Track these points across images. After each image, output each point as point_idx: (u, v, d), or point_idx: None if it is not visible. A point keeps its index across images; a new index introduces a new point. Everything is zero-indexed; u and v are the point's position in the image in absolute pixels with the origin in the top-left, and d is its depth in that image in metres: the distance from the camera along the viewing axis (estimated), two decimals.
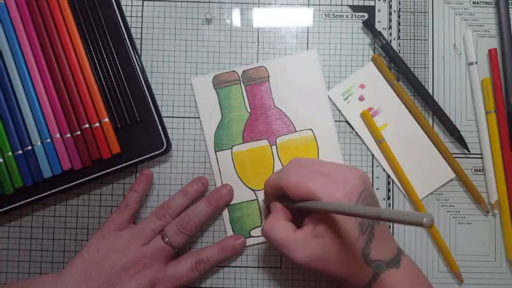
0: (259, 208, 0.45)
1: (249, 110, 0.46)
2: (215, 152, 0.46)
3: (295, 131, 0.46)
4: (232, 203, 0.45)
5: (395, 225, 0.46)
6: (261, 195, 0.45)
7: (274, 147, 0.46)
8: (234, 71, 0.46)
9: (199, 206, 0.44)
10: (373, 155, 0.46)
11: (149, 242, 0.42)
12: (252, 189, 0.46)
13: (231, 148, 0.46)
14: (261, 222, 0.45)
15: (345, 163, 0.46)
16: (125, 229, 0.42)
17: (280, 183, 0.38)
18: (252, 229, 0.45)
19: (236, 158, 0.46)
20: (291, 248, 0.36)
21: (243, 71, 0.46)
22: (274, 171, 0.46)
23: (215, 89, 0.46)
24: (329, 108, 0.46)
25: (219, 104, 0.46)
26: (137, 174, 0.46)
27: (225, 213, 0.45)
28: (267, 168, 0.46)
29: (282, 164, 0.46)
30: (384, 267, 0.36)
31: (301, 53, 0.47)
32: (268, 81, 0.46)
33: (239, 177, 0.46)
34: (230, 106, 0.46)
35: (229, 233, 0.45)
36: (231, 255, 0.44)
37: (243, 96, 0.46)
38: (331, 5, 0.47)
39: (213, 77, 0.46)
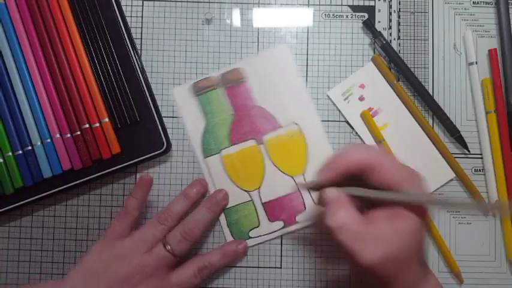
0: (255, 209, 0.45)
1: (232, 112, 0.46)
2: (204, 158, 0.46)
3: (281, 127, 0.46)
4: (227, 206, 0.45)
5: None
6: (254, 196, 0.45)
7: (262, 145, 0.46)
8: (211, 76, 0.46)
9: (200, 211, 0.43)
10: None
11: (151, 248, 0.41)
12: (245, 191, 0.45)
13: (220, 152, 0.46)
14: (258, 222, 0.45)
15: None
16: (126, 236, 0.41)
17: (372, 162, 0.33)
18: (250, 230, 0.45)
19: (226, 161, 0.46)
20: (367, 243, 0.31)
21: (221, 75, 0.46)
22: (265, 169, 0.46)
23: (195, 97, 0.46)
24: (310, 100, 0.46)
25: (202, 111, 0.46)
26: (137, 175, 0.46)
27: (222, 217, 0.45)
28: (257, 168, 0.46)
29: (273, 162, 0.46)
30: None
31: (272, 49, 0.46)
32: (247, 81, 0.46)
33: (231, 180, 0.45)
34: (212, 111, 0.46)
35: (228, 236, 0.45)
36: (233, 260, 0.44)
37: (224, 100, 0.46)
38: (331, 5, 0.47)
39: (192, 85, 0.46)
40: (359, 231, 0.32)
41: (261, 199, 0.45)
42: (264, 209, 0.45)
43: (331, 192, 0.34)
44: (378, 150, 0.37)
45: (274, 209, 0.45)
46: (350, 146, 0.40)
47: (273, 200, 0.45)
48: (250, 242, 0.45)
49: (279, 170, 0.46)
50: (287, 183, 0.45)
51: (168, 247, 0.41)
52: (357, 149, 0.36)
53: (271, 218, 0.45)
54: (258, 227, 0.45)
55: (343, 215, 0.32)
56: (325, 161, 0.35)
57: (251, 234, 0.45)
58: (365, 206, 0.34)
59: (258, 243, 0.45)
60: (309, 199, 0.45)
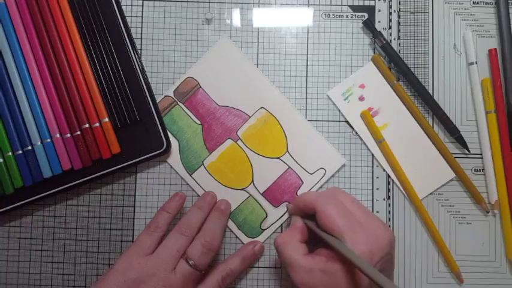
0: (258, 202, 0.45)
1: (199, 122, 0.46)
2: (190, 175, 0.46)
3: (250, 117, 0.46)
4: (231, 210, 0.45)
5: (395, 222, 0.46)
6: (251, 190, 0.45)
7: (239, 141, 0.46)
8: (166, 95, 0.46)
9: (212, 221, 0.43)
10: (373, 155, 0.46)
11: (176, 265, 0.40)
12: (241, 189, 0.46)
13: (202, 164, 0.46)
14: (265, 213, 0.45)
15: (324, 137, 0.46)
16: (151, 253, 0.40)
17: (315, 206, 0.38)
18: (260, 223, 0.45)
19: (211, 169, 0.46)
20: (296, 270, 0.37)
21: (174, 91, 0.46)
22: (251, 161, 0.46)
23: None
24: (267, 81, 0.46)
25: (170, 132, 0.46)
26: (137, 175, 0.46)
27: (230, 223, 0.45)
28: (244, 164, 0.46)
29: (255, 152, 0.46)
30: None
31: (213, 47, 0.46)
32: (201, 87, 0.46)
33: (224, 185, 0.46)
34: (180, 128, 0.46)
35: (242, 237, 0.45)
36: (252, 262, 0.44)
37: (188, 113, 0.46)
38: (331, 5, 0.47)
39: None
40: (293, 259, 0.37)
41: (258, 191, 0.45)
42: (266, 198, 0.45)
43: (294, 219, 0.41)
44: (324, 197, 0.39)
45: (274, 194, 0.46)
46: (307, 192, 0.44)
47: (270, 187, 0.46)
48: (265, 234, 0.45)
49: (264, 156, 0.46)
50: (276, 166, 0.46)
51: (192, 262, 0.40)
52: (308, 193, 0.42)
53: (276, 204, 0.45)
54: (266, 217, 0.45)
55: (283, 239, 0.39)
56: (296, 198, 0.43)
57: (263, 226, 0.45)
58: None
59: (273, 232, 0.45)
60: (303, 172, 0.46)
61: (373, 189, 0.46)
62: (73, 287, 0.45)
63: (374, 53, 0.47)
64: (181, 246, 0.40)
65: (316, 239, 0.39)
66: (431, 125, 0.46)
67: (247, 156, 0.46)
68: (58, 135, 0.43)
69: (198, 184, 0.46)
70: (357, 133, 0.46)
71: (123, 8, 0.46)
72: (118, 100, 0.44)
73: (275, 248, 0.39)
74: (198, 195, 0.45)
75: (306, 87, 0.47)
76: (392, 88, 0.47)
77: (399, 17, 0.47)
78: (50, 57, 0.43)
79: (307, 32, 0.47)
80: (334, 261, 0.36)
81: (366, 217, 0.38)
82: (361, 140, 0.46)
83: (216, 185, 0.45)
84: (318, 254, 0.38)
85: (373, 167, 0.46)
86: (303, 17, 0.47)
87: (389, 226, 0.46)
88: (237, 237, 0.45)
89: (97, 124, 0.44)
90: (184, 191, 0.45)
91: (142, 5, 0.47)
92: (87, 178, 0.44)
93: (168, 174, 0.46)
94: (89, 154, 0.44)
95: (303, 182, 0.46)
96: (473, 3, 0.48)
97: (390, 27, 0.47)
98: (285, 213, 0.45)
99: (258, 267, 0.45)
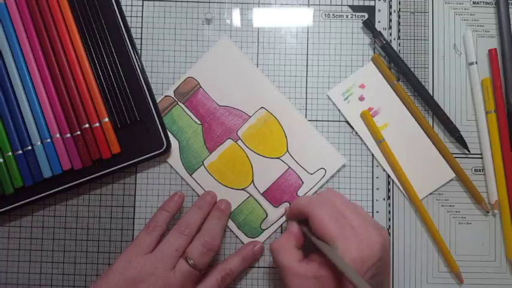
0: (258, 202, 0.45)
1: (200, 122, 0.46)
2: (190, 175, 0.46)
3: (250, 117, 0.46)
4: (231, 210, 0.45)
5: (395, 222, 0.46)
6: (251, 190, 0.45)
7: (239, 141, 0.46)
8: (166, 95, 0.46)
9: (213, 221, 0.43)
10: (373, 155, 0.46)
11: (175, 264, 0.40)
12: (241, 189, 0.46)
13: (203, 164, 0.46)
14: (265, 213, 0.45)
15: (324, 137, 0.46)
16: (151, 252, 0.40)
17: (307, 212, 0.38)
18: (261, 223, 0.45)
19: (212, 169, 0.46)
20: (289, 276, 0.37)
21: (174, 91, 0.46)
22: (251, 161, 0.46)
23: None
24: (267, 81, 0.46)
25: (170, 131, 0.46)
26: (137, 175, 0.46)
27: (230, 223, 0.45)
28: (244, 164, 0.46)
29: (255, 152, 0.46)
30: None
31: (213, 47, 0.46)
32: (201, 87, 0.46)
33: (224, 185, 0.46)
34: (180, 128, 0.46)
35: (242, 237, 0.45)
36: (252, 262, 0.44)
37: (188, 113, 0.46)
38: (331, 5, 0.47)
39: None
40: (287, 265, 0.37)
41: (258, 191, 0.45)
42: (266, 199, 0.45)
43: (290, 224, 0.42)
44: (317, 202, 0.39)
45: (274, 194, 0.46)
46: (302, 196, 0.44)
47: (270, 187, 0.46)
48: (265, 234, 0.45)
49: (264, 156, 0.46)
50: (276, 166, 0.46)
51: (191, 261, 0.40)
52: (300, 198, 0.42)
53: (276, 204, 0.45)
54: (266, 217, 0.45)
55: (279, 244, 0.39)
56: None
57: (263, 226, 0.45)
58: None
59: (273, 232, 0.45)
60: (303, 172, 0.46)
61: (373, 189, 0.46)
62: (73, 287, 0.45)
63: (374, 53, 0.47)
64: (181, 246, 0.40)
65: (312, 244, 0.39)
66: (431, 125, 0.46)
67: (247, 156, 0.46)
68: (58, 135, 0.43)
69: (198, 184, 0.46)
70: (357, 133, 0.46)
71: (123, 8, 0.46)
72: (118, 100, 0.44)
73: (271, 252, 0.40)
74: (198, 195, 0.45)
75: (306, 87, 0.47)
76: (392, 88, 0.47)
77: (399, 17, 0.47)
78: (50, 57, 0.44)
79: (307, 32, 0.47)
80: (325, 267, 0.36)
81: (358, 220, 0.38)
82: (361, 140, 0.46)
83: (216, 185, 0.45)
84: (311, 259, 0.38)
85: (373, 167, 0.46)
86: (303, 17, 0.47)
87: (389, 226, 0.46)
88: (237, 237, 0.45)
89: (97, 124, 0.44)
90: (184, 191, 0.45)
91: (142, 5, 0.47)
92: (87, 178, 0.44)
93: (168, 174, 0.46)
94: (89, 154, 0.44)
95: (303, 182, 0.46)
96: (473, 3, 0.48)
97: (390, 27, 0.47)
98: (284, 214, 0.45)
99: (258, 267, 0.45)
